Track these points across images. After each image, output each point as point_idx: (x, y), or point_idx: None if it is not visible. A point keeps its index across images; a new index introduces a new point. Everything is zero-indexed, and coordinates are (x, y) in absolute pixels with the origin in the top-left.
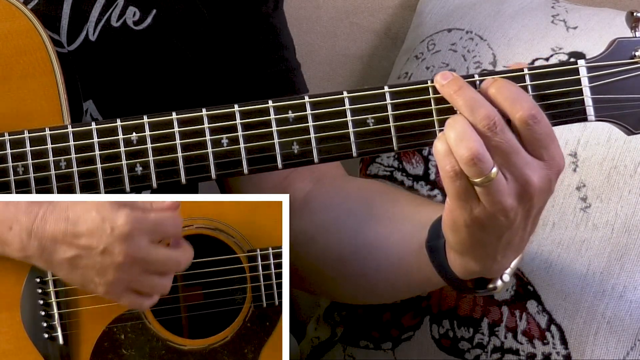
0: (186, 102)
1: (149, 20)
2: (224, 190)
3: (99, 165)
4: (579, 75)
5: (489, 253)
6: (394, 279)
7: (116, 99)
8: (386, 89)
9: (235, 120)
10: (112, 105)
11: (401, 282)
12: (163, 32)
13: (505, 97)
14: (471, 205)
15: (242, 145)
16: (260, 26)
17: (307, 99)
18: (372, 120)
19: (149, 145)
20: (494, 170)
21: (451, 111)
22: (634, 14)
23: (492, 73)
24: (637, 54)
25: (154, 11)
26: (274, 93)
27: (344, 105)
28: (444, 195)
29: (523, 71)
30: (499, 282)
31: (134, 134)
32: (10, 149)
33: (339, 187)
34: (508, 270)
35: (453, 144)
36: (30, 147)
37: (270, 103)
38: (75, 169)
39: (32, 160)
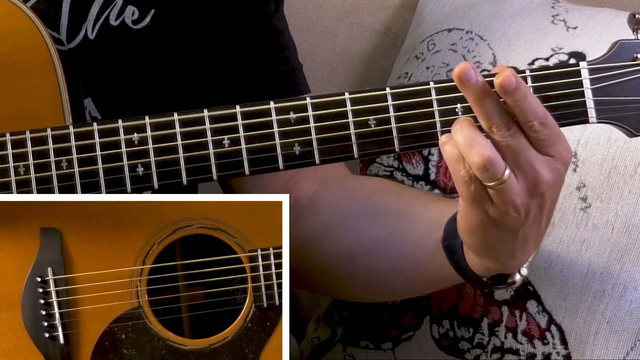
0: (185, 103)
1: (147, 19)
2: (226, 191)
3: (100, 166)
4: (580, 77)
5: (507, 251)
6: (409, 277)
7: (115, 98)
8: (388, 90)
9: (237, 121)
10: (110, 103)
11: (415, 281)
12: (162, 32)
13: (515, 101)
14: (485, 206)
15: (243, 146)
16: (261, 28)
17: (308, 100)
18: (374, 122)
19: (151, 146)
20: (507, 172)
21: (453, 113)
22: (636, 16)
23: (493, 74)
24: (639, 55)
25: (153, 11)
26: (275, 94)
27: (346, 107)
28: (445, 195)
29: (525, 72)
30: (517, 276)
31: (136, 134)
32: (12, 149)
33: (344, 188)
34: (526, 264)
35: (464, 150)
36: (32, 147)
37: (271, 104)
38: (76, 169)
39: (33, 160)
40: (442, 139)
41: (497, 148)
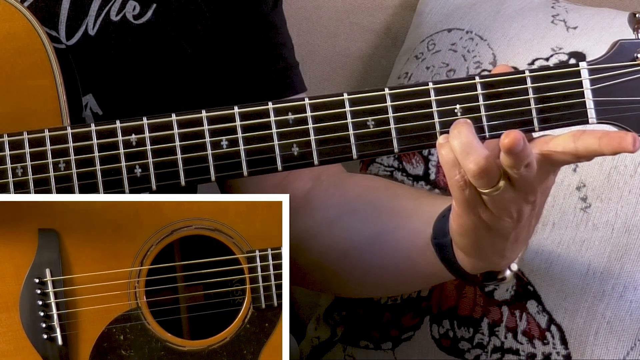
0: (185, 98)
1: (148, 14)
2: (224, 189)
3: (98, 167)
4: (580, 77)
5: (497, 252)
6: (401, 273)
7: (116, 93)
8: (387, 90)
9: (235, 122)
10: (112, 99)
11: (408, 276)
12: (162, 27)
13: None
14: (478, 211)
15: (241, 147)
16: (260, 24)
17: (307, 100)
18: (373, 123)
19: (149, 147)
20: (502, 182)
21: (452, 113)
22: (637, 15)
23: (493, 74)
24: (639, 55)
25: (154, 5)
26: (272, 90)
27: (344, 108)
28: (445, 195)
29: (524, 73)
30: (508, 272)
31: (133, 135)
32: (9, 151)
33: (338, 185)
34: (516, 260)
35: (460, 157)
36: (29, 148)
37: (270, 105)
38: (74, 170)
39: (31, 161)
40: (440, 140)
41: (510, 178)
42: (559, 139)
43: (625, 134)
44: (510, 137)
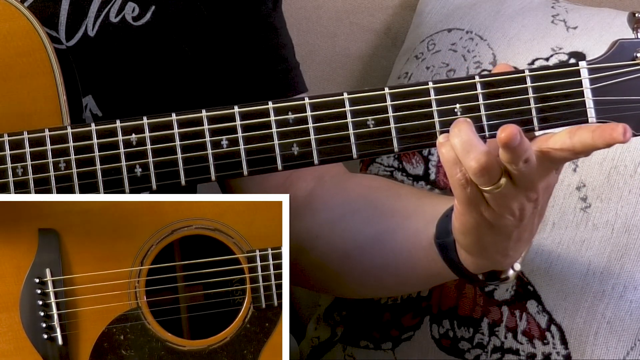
0: (185, 99)
1: (147, 16)
2: (224, 189)
3: (98, 167)
4: (580, 76)
5: (500, 251)
6: (403, 273)
7: (116, 94)
8: (387, 90)
9: (235, 121)
10: (111, 100)
11: (409, 277)
12: (162, 29)
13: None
14: (480, 209)
15: (242, 146)
16: (260, 26)
17: (307, 100)
18: (373, 122)
19: (149, 147)
20: (503, 179)
21: (452, 113)
22: (636, 15)
23: (493, 74)
24: (638, 55)
25: (153, 7)
26: (273, 92)
27: (344, 107)
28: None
29: (524, 72)
30: (511, 272)
31: (134, 135)
32: (10, 150)
33: (340, 186)
34: (519, 260)
35: (460, 154)
36: (30, 148)
37: (270, 104)
38: (74, 170)
39: (31, 161)
40: (440, 139)
41: (510, 175)
42: (557, 137)
43: (616, 124)
44: (506, 131)
